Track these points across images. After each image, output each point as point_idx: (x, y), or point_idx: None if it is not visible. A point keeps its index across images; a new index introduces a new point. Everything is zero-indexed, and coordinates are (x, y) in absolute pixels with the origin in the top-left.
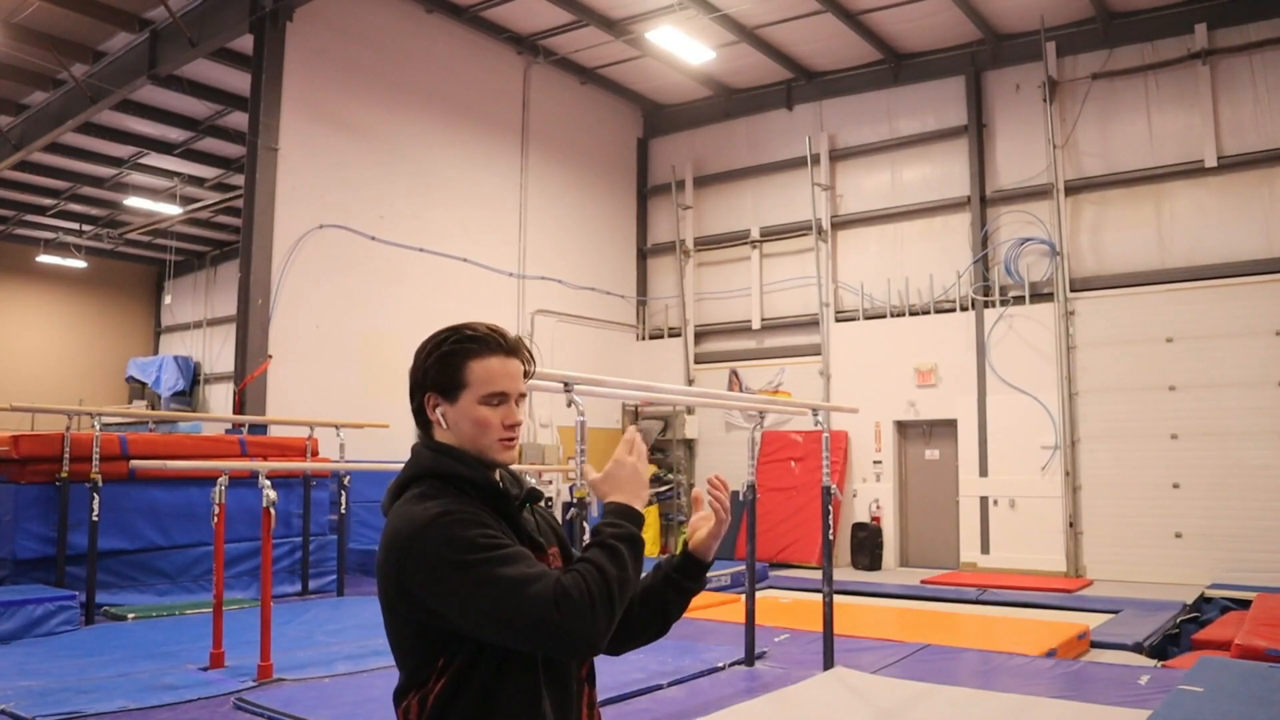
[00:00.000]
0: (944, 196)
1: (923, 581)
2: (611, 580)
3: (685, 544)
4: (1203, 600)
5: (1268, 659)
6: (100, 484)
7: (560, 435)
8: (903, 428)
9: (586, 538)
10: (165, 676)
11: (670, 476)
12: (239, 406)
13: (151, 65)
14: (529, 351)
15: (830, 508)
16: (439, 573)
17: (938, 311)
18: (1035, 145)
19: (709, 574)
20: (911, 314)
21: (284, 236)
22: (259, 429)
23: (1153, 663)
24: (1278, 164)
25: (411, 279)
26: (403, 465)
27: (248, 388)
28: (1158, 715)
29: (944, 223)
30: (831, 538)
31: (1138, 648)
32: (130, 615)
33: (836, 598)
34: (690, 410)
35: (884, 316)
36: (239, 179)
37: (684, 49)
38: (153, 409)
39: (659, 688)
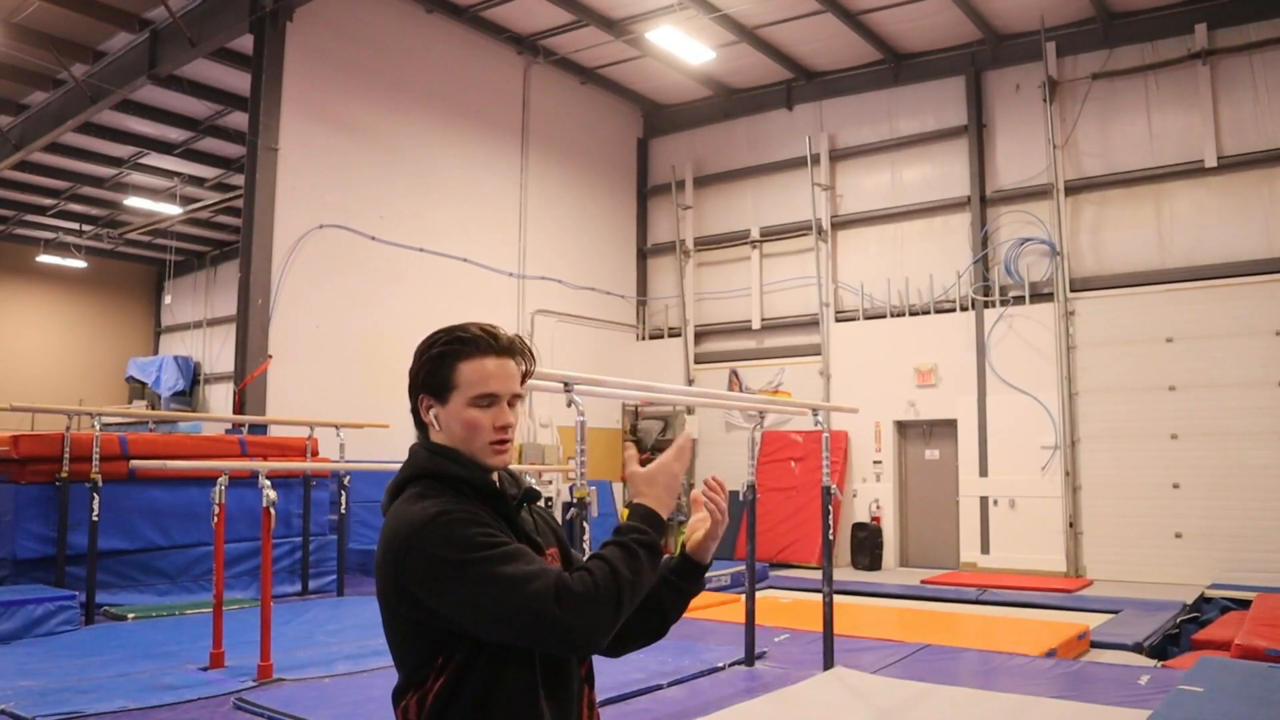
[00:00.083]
0: (944, 196)
1: (923, 581)
2: (623, 582)
3: (683, 546)
4: (1203, 600)
5: (1268, 659)
6: (100, 484)
7: (560, 435)
8: (903, 428)
9: (586, 538)
10: (165, 676)
11: None
12: (239, 406)
13: (151, 65)
14: (529, 351)
15: (830, 508)
16: (438, 572)
17: (938, 311)
18: (1035, 145)
19: (709, 574)
20: (911, 314)
21: (284, 236)
22: (259, 429)
23: (1153, 663)
24: (1278, 164)
25: (411, 279)
26: (401, 465)
27: (248, 388)
28: (1158, 715)
29: (944, 223)
30: (831, 538)
31: (1138, 648)
32: (130, 615)
33: (836, 598)
34: (690, 410)
35: (884, 316)
36: (239, 179)
37: (684, 49)
38: (153, 409)
39: (659, 688)
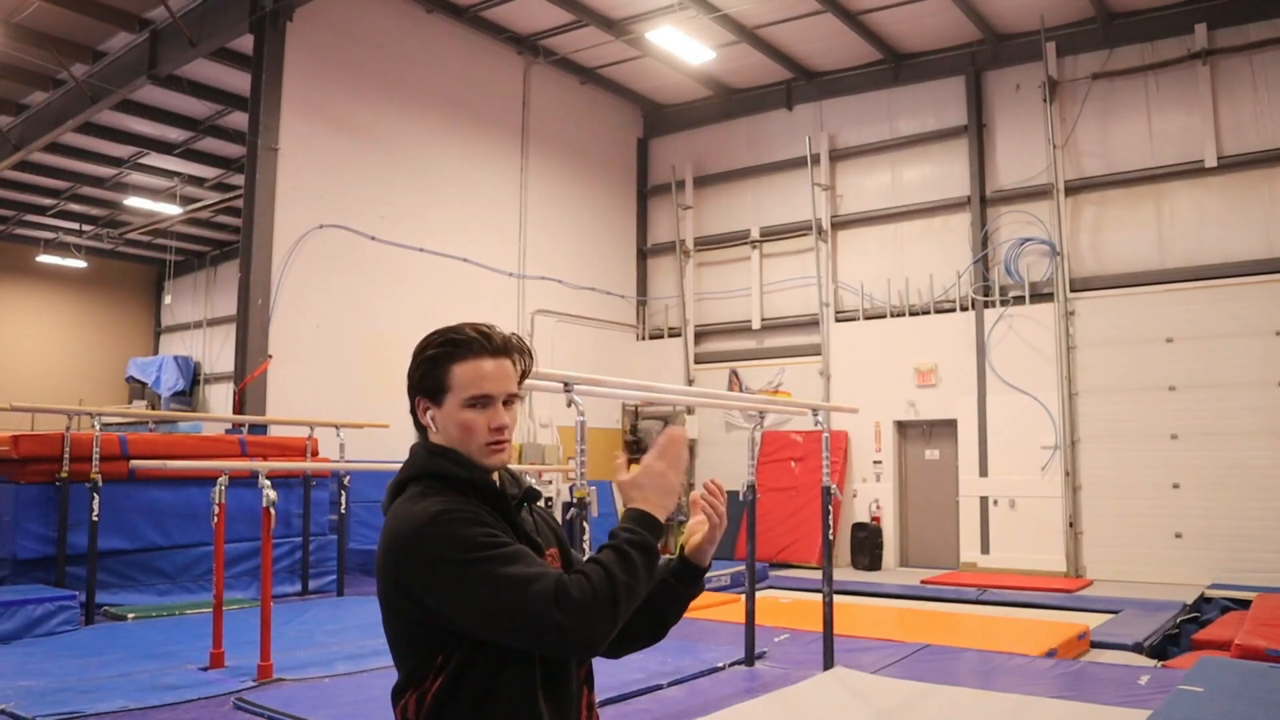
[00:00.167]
0: (944, 196)
1: (923, 581)
2: (619, 585)
3: (682, 548)
4: (1203, 600)
5: (1268, 659)
6: (100, 484)
7: (560, 435)
8: (903, 428)
9: (586, 538)
10: (165, 676)
11: None
12: (239, 406)
13: (151, 65)
14: (525, 349)
15: (830, 508)
16: (438, 571)
17: (938, 311)
18: (1035, 145)
19: (708, 574)
20: (911, 314)
21: (284, 236)
22: (259, 429)
23: (1153, 663)
24: (1278, 164)
25: (411, 279)
26: (401, 465)
27: (248, 388)
28: (1158, 715)
29: (944, 223)
30: (831, 538)
31: (1138, 648)
32: (130, 615)
33: (836, 598)
34: (690, 410)
35: (884, 316)
36: (239, 179)
37: (684, 49)
38: (153, 409)
39: (659, 688)
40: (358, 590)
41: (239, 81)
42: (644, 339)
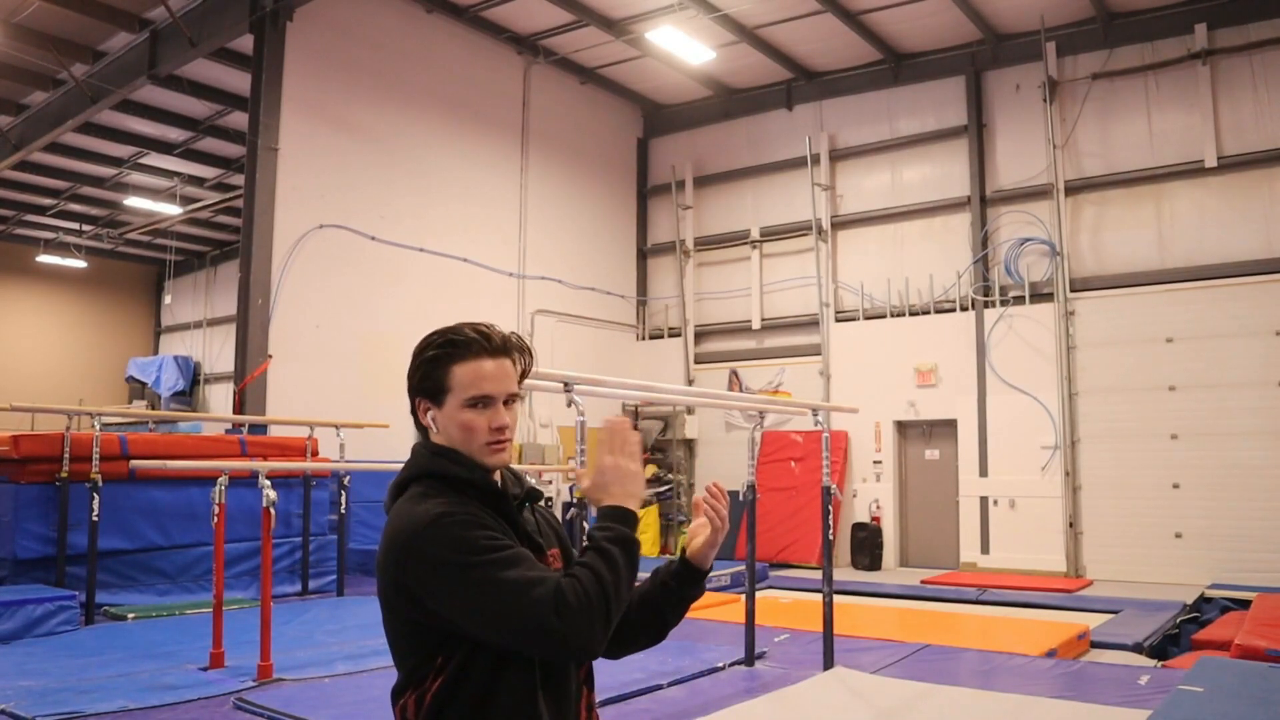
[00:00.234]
0: (944, 196)
1: (923, 581)
2: (607, 585)
3: (683, 551)
4: (1203, 600)
5: (1268, 659)
6: (100, 484)
7: (560, 435)
8: (903, 428)
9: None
10: (165, 676)
11: (670, 477)
12: (239, 406)
13: (151, 65)
14: (525, 348)
15: (830, 508)
16: (439, 573)
17: (938, 311)
18: (1035, 145)
19: (709, 575)
20: (911, 314)
21: (284, 236)
22: (259, 429)
23: (1153, 663)
24: (1278, 164)
25: (411, 279)
26: (402, 465)
27: (248, 388)
28: (1158, 715)
29: (944, 223)
30: (831, 538)
31: (1138, 648)
32: (130, 615)
33: (836, 598)
34: (690, 410)
35: (884, 316)
36: (239, 179)
37: (684, 49)
38: (153, 409)
39: (659, 688)
40: (358, 590)
41: (239, 81)
42: (644, 339)
